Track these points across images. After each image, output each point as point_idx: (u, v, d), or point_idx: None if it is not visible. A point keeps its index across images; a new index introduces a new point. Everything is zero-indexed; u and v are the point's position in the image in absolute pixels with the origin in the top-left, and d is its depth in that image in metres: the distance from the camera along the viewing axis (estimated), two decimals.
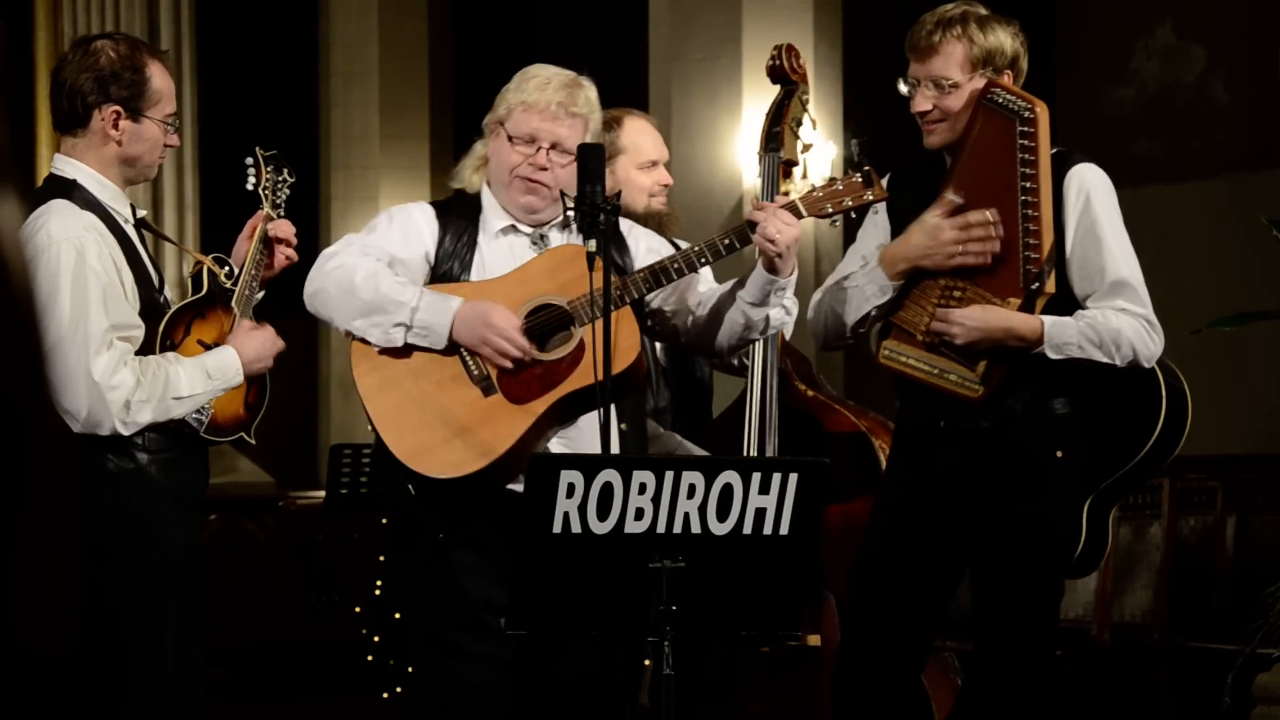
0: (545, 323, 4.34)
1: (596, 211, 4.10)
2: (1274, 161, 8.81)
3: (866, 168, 4.44)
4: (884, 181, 4.48)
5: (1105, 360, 4.46)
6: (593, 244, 4.12)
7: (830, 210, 4.41)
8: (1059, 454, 4.53)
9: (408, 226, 4.43)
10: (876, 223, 4.68)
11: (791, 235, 4.31)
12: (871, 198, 4.41)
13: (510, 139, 4.39)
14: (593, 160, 4.15)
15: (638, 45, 10.63)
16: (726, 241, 4.34)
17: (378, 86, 13.41)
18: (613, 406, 4.29)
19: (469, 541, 4.32)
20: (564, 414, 4.32)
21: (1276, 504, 7.72)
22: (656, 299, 4.48)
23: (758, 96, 10.02)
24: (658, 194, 5.21)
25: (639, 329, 4.37)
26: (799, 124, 5.24)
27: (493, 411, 4.29)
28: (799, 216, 4.36)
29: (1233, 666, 5.98)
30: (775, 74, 5.29)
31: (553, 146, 4.37)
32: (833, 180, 4.47)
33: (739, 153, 10.10)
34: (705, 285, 4.55)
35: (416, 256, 4.41)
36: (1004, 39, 4.54)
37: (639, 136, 5.22)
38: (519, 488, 4.26)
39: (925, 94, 4.52)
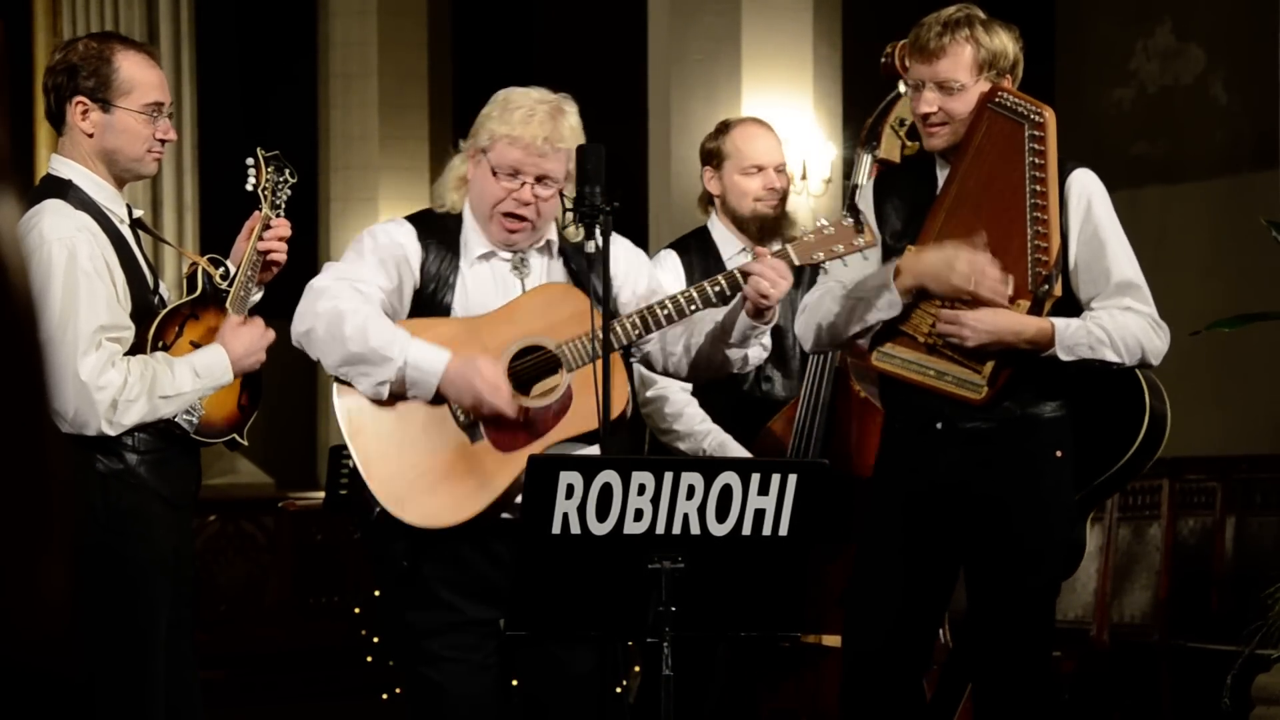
0: (532, 366, 4.29)
1: (596, 213, 4.08)
2: (1273, 161, 8.81)
3: (859, 213, 4.45)
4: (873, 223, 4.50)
5: (1115, 360, 4.47)
6: (593, 244, 4.11)
7: (822, 258, 4.40)
8: (1058, 454, 4.54)
9: (392, 251, 4.33)
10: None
11: (784, 288, 4.29)
12: (863, 244, 4.41)
13: (494, 172, 4.31)
14: (592, 161, 4.13)
15: (637, 46, 10.62)
16: (718, 289, 4.30)
17: (377, 87, 13.40)
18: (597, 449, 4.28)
19: (444, 557, 4.28)
20: None
21: (1275, 505, 7.72)
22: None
23: (757, 96, 10.02)
24: (764, 198, 5.35)
25: (627, 370, 4.35)
26: (903, 124, 5.24)
27: (479, 459, 4.24)
28: (791, 265, 4.34)
29: (1232, 667, 5.98)
30: (887, 71, 5.28)
31: (538, 180, 4.30)
32: (823, 226, 4.44)
33: None
34: (683, 321, 4.47)
35: (404, 282, 4.33)
36: (1007, 42, 4.56)
37: (743, 142, 5.40)
38: (504, 515, 4.25)
39: (930, 96, 4.52)
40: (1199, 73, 10.84)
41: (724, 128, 5.50)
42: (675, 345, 4.49)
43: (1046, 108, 4.51)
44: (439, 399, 4.25)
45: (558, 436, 4.24)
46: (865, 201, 4.72)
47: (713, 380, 4.76)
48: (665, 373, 4.59)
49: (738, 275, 4.30)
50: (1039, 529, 4.54)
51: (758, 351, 4.49)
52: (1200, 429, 10.14)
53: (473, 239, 4.38)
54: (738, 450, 5.20)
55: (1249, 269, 9.83)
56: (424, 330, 4.28)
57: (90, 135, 4.22)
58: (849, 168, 5.52)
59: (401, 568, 4.26)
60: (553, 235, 4.41)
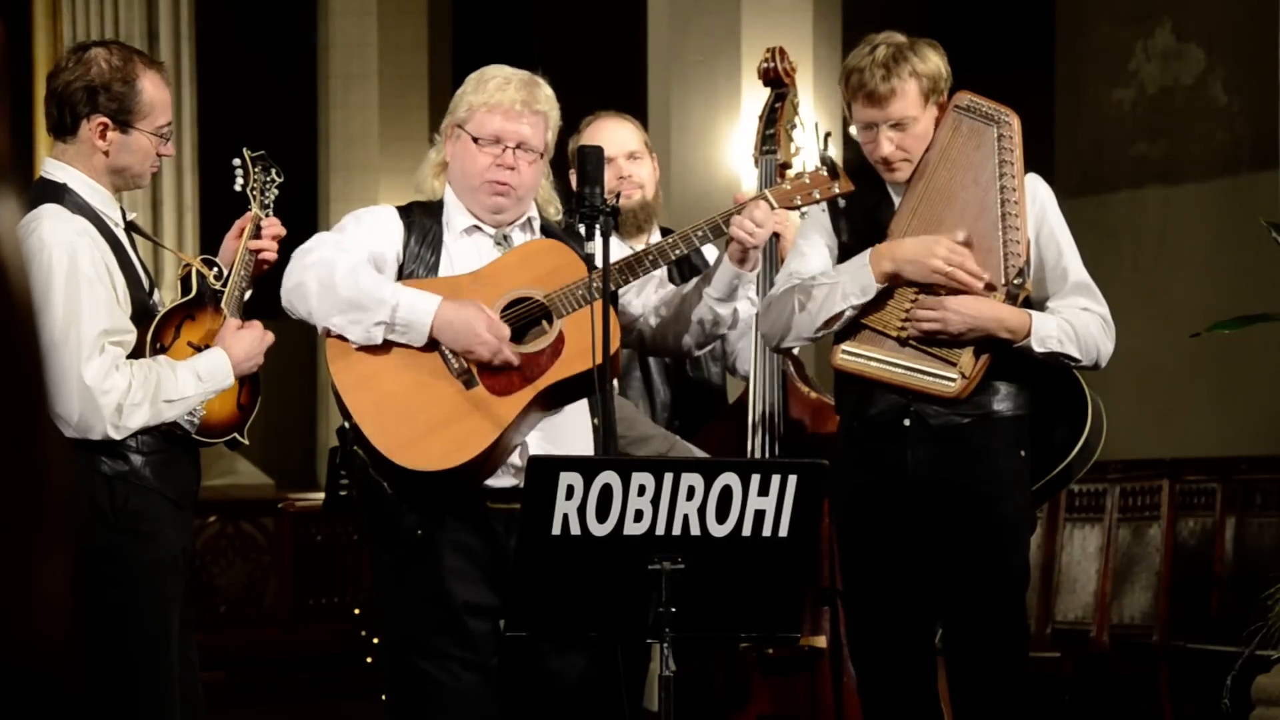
0: (521, 316, 4.35)
1: (596, 213, 4.10)
2: (1273, 162, 8.80)
3: (832, 161, 4.50)
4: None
5: (1077, 357, 4.55)
6: (593, 245, 4.12)
7: (799, 202, 4.49)
8: (1022, 453, 4.57)
9: (375, 225, 4.42)
10: (820, 226, 4.66)
11: (767, 228, 4.44)
12: (838, 190, 4.48)
13: (476, 141, 4.38)
14: (591, 162, 4.16)
15: (636, 46, 10.62)
16: (700, 233, 4.44)
17: (377, 88, 13.40)
18: (584, 402, 4.32)
19: (449, 544, 4.29)
20: (546, 404, 4.32)
21: (1275, 506, 7.72)
22: (618, 303, 4.51)
23: (757, 98, 10.01)
24: (616, 189, 5.21)
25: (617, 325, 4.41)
26: (793, 126, 5.27)
27: (476, 404, 4.28)
28: (771, 209, 4.46)
29: (1232, 668, 5.98)
30: (769, 77, 5.31)
31: (518, 146, 4.37)
32: (800, 174, 4.53)
33: (737, 154, 10.11)
34: (662, 286, 4.62)
35: (386, 255, 4.39)
36: (936, 60, 4.59)
37: (590, 139, 5.28)
38: (497, 483, 4.27)
39: (887, 136, 4.52)
40: (1199, 73, 10.83)
41: (580, 128, 5.31)
42: (664, 312, 4.57)
43: (1013, 112, 4.57)
44: (430, 347, 4.28)
45: (553, 378, 4.29)
46: (821, 214, 4.68)
47: (701, 345, 4.76)
48: (657, 343, 4.64)
49: (719, 220, 4.38)
50: (1007, 525, 4.56)
51: (746, 306, 4.62)
52: (1200, 430, 10.13)
53: (456, 216, 4.44)
54: (689, 451, 5.09)
55: (1249, 270, 9.82)
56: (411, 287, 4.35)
57: (106, 153, 4.24)
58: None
59: (415, 539, 4.27)
60: (533, 212, 4.48)
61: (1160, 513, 7.75)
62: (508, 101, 4.35)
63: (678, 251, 4.43)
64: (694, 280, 4.63)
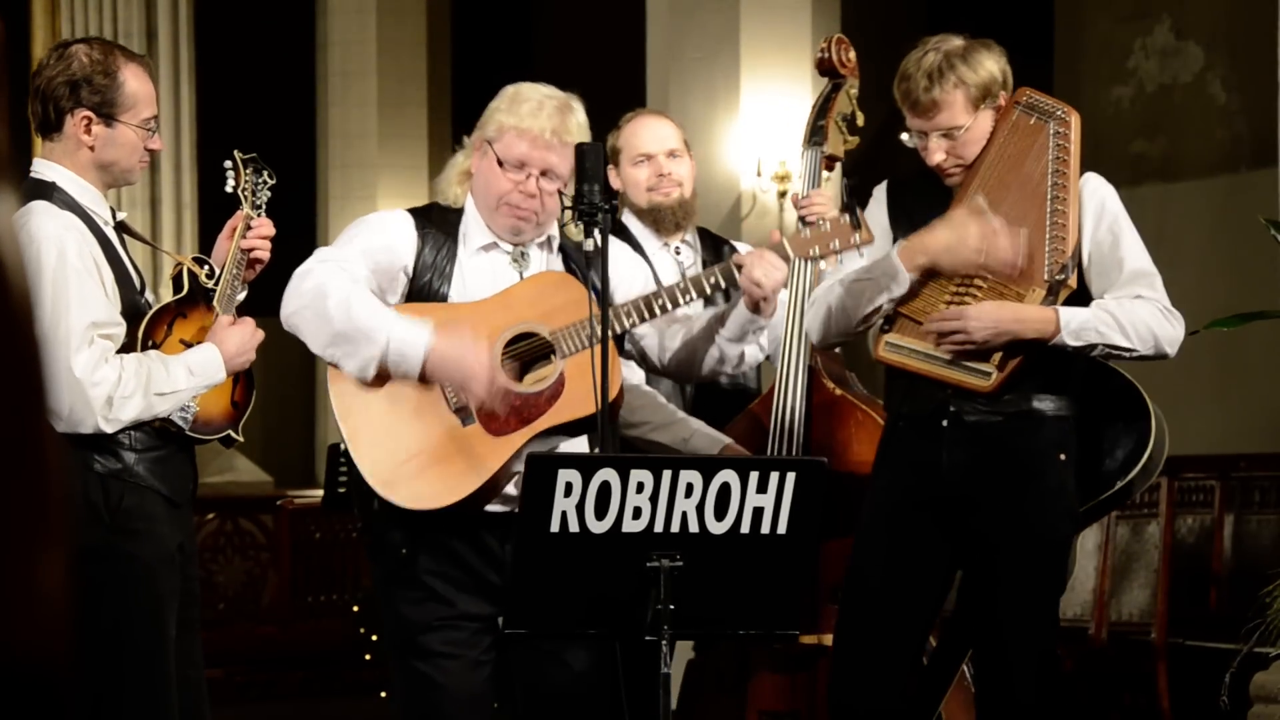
0: (525, 352, 4.28)
1: (595, 211, 4.09)
2: (1272, 160, 8.79)
3: (856, 211, 4.41)
4: (878, 195, 4.49)
5: (1126, 345, 4.43)
6: (592, 243, 4.11)
7: (817, 253, 4.39)
8: (1061, 456, 4.51)
9: (385, 237, 4.33)
10: (875, 220, 4.63)
11: (778, 279, 4.32)
12: (859, 241, 4.38)
13: (500, 163, 4.31)
14: (590, 160, 4.13)
15: (635, 44, 10.62)
16: (713, 280, 4.33)
17: (375, 85, 13.40)
18: (585, 438, 4.28)
19: (438, 550, 4.28)
20: (541, 446, 4.29)
21: (1274, 503, 7.73)
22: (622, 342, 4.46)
23: (755, 96, 10.02)
24: (656, 186, 5.23)
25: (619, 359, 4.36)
26: (845, 119, 5.21)
27: (470, 443, 4.22)
28: (785, 259, 4.35)
29: (1230, 665, 5.98)
30: (824, 66, 5.27)
31: (543, 173, 4.30)
32: (820, 222, 4.43)
33: (736, 152, 10.11)
34: (680, 314, 4.51)
35: (395, 268, 4.31)
36: (991, 67, 4.51)
37: (631, 135, 5.30)
38: (495, 508, 4.25)
39: (937, 144, 4.49)
40: (1197, 71, 10.84)
41: (619, 124, 5.36)
42: (673, 340, 4.50)
43: (1073, 110, 4.53)
44: (427, 379, 4.25)
45: (549, 422, 4.23)
46: (878, 210, 4.66)
47: (705, 378, 4.74)
48: (661, 368, 4.60)
49: (733, 267, 4.33)
50: (1043, 530, 4.50)
51: (754, 350, 4.53)
52: (1199, 427, 10.14)
53: (474, 230, 4.38)
54: (711, 436, 5.08)
55: (1247, 268, 9.83)
56: (416, 314, 4.26)
57: (91, 148, 4.23)
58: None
59: (400, 556, 4.26)
60: (554, 231, 4.42)
61: (1159, 510, 7.75)
62: (538, 129, 4.27)
63: (688, 297, 4.33)
64: (708, 312, 4.55)
